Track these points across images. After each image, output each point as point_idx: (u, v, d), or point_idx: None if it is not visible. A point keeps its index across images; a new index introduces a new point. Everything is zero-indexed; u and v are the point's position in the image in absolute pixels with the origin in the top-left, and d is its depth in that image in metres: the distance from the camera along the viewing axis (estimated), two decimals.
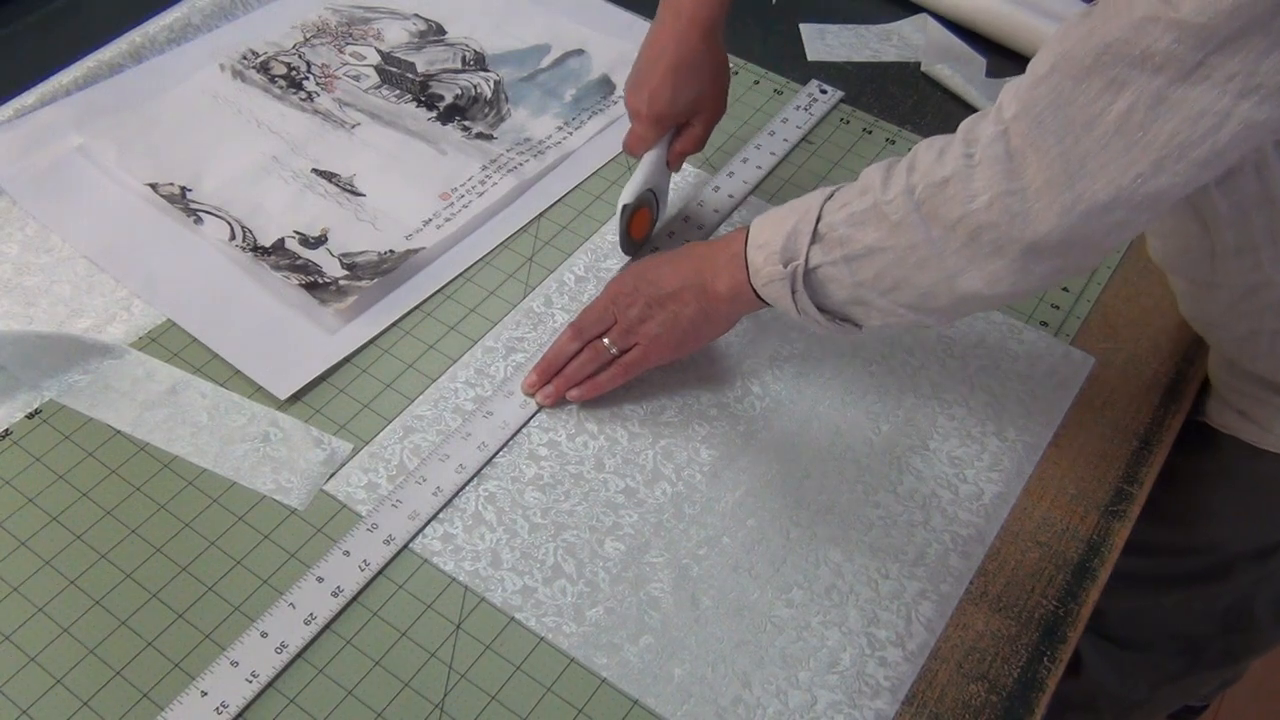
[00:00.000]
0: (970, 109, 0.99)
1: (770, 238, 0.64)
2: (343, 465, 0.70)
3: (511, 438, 0.72)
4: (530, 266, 0.84)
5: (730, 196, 0.89)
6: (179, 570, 0.65)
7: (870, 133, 0.96)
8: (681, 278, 0.70)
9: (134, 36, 0.97)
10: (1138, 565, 0.92)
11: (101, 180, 0.86)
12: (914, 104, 1.00)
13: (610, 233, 0.85)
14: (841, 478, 0.72)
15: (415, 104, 0.95)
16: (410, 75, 0.98)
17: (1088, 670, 1.04)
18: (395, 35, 1.01)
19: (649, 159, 0.79)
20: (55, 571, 0.64)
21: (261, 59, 0.98)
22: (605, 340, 0.72)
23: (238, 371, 0.75)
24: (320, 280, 0.79)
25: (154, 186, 0.85)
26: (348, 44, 1.00)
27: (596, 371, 0.73)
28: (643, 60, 0.77)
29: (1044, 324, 0.82)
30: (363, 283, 0.79)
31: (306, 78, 0.96)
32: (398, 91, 0.96)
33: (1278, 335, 0.72)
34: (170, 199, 0.84)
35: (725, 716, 0.61)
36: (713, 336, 0.73)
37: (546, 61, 1.01)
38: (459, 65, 0.99)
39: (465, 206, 0.86)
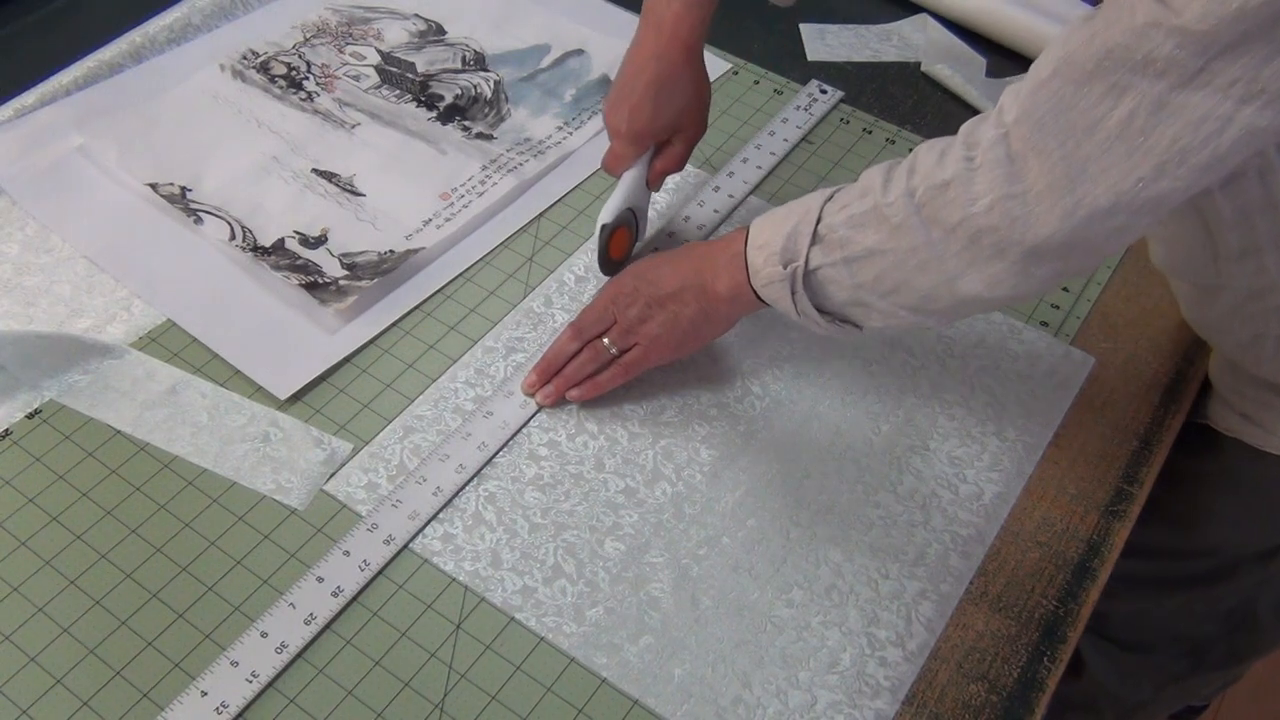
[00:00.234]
0: (970, 109, 0.99)
1: (770, 239, 0.64)
2: (343, 465, 0.70)
3: (511, 438, 0.72)
4: (530, 266, 0.84)
5: (730, 196, 0.89)
6: (179, 570, 0.65)
7: (870, 133, 0.96)
8: (681, 278, 0.70)
9: (134, 36, 0.97)
10: (1140, 568, 0.92)
11: (101, 180, 0.86)
12: (914, 104, 1.00)
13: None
14: (841, 478, 0.72)
15: (415, 104, 0.95)
16: (410, 75, 0.98)
17: (1090, 672, 1.04)
18: (395, 35, 1.01)
19: (628, 178, 0.77)
20: (55, 571, 0.64)
21: (261, 59, 0.98)
22: (605, 340, 0.72)
23: (238, 371, 0.75)
24: (320, 280, 0.79)
25: (154, 186, 0.85)
26: (348, 44, 1.00)
27: (596, 371, 0.73)
28: (623, 77, 0.75)
29: (1044, 324, 0.82)
30: (363, 283, 0.79)
31: (306, 78, 0.96)
32: (398, 91, 0.96)
33: None
34: (170, 199, 0.84)
35: (725, 716, 0.61)
36: (713, 337, 0.73)
37: (546, 61, 1.01)
38: (459, 65, 0.99)
39: (465, 206, 0.86)
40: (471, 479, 0.70)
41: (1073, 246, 0.54)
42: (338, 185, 0.87)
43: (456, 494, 0.69)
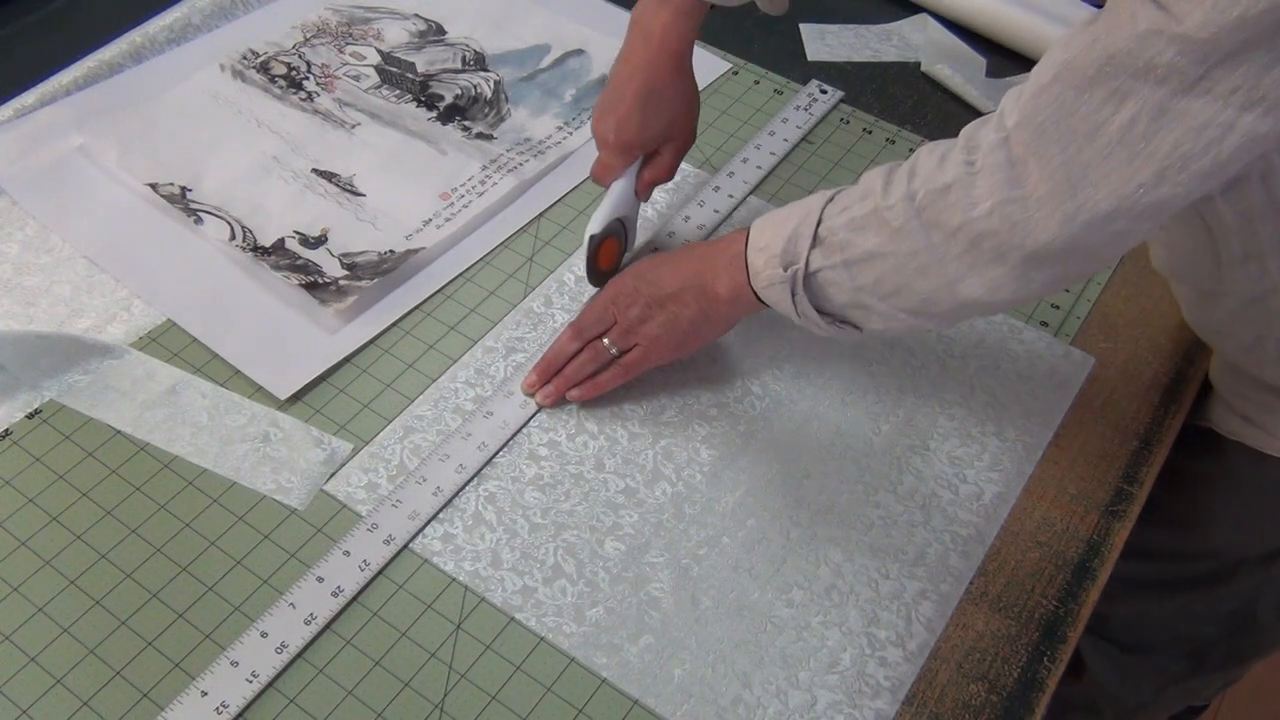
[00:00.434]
0: (970, 109, 0.99)
1: (770, 240, 0.64)
2: (343, 465, 0.70)
3: (511, 438, 0.72)
4: (530, 266, 0.84)
5: (730, 196, 0.89)
6: (179, 570, 0.65)
7: (870, 133, 0.96)
8: (682, 278, 0.70)
9: (134, 36, 0.97)
10: (1141, 570, 0.91)
11: (101, 180, 0.86)
12: (914, 104, 1.00)
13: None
14: (841, 478, 0.72)
15: (415, 104, 0.95)
16: (410, 75, 0.98)
17: (1090, 673, 1.04)
18: (395, 35, 1.01)
19: (617, 188, 0.77)
20: (55, 571, 0.64)
21: (261, 59, 0.98)
22: (605, 340, 0.72)
23: (238, 371, 0.75)
24: (320, 280, 0.79)
25: (154, 186, 0.85)
26: (348, 44, 1.00)
27: (596, 372, 0.73)
28: (611, 86, 0.75)
29: (1044, 324, 0.82)
30: (363, 283, 0.79)
31: (306, 78, 0.96)
32: (398, 91, 0.96)
33: None
34: (170, 199, 0.84)
35: (725, 716, 0.61)
36: (713, 337, 0.73)
37: (546, 61, 1.01)
38: (459, 65, 0.99)
39: (465, 206, 0.86)
40: (471, 479, 0.70)
41: (1073, 251, 0.54)
42: (338, 185, 0.87)
43: (456, 494, 0.69)
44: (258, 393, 0.74)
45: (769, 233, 0.65)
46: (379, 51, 1.00)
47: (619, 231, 0.78)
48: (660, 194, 0.89)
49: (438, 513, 0.68)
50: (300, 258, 0.81)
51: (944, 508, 0.71)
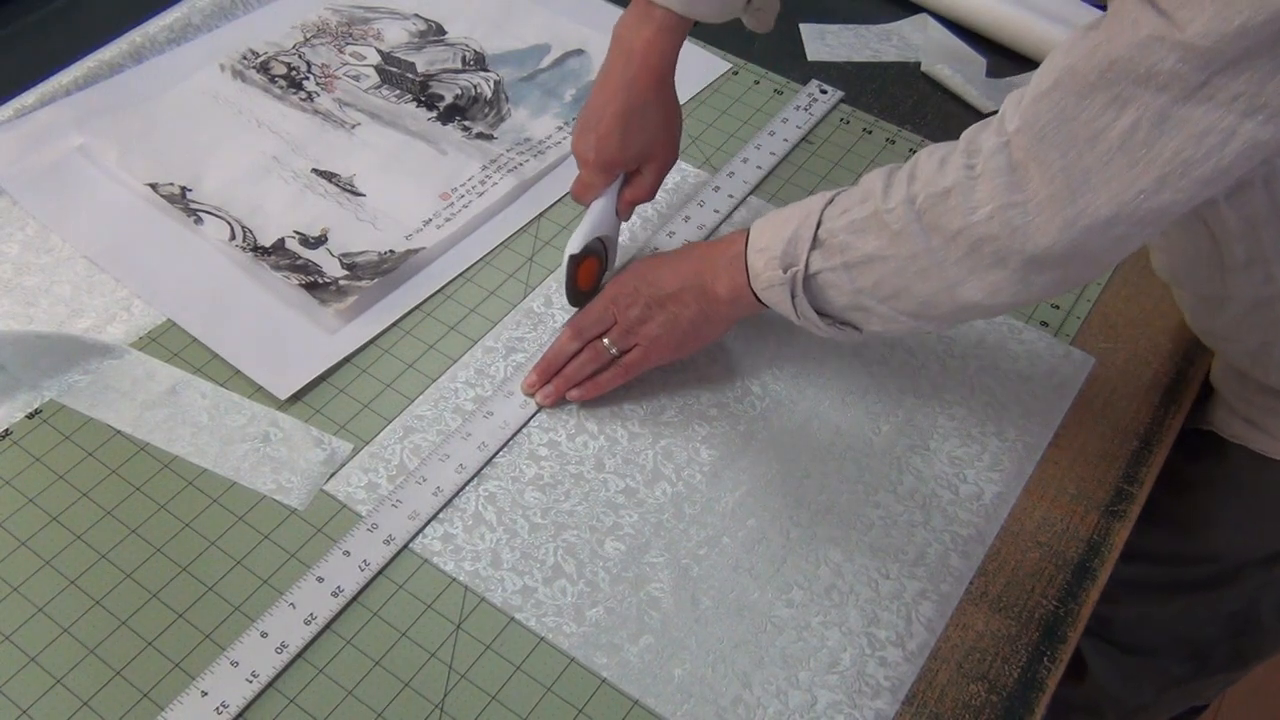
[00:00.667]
0: (970, 109, 0.99)
1: (770, 242, 0.64)
2: (343, 465, 0.70)
3: (512, 438, 0.72)
4: (530, 266, 0.84)
5: (730, 196, 0.89)
6: (179, 570, 0.65)
7: (870, 133, 0.96)
8: (681, 279, 0.70)
9: (134, 36, 0.97)
10: (1144, 572, 0.91)
11: (101, 180, 0.86)
12: (914, 104, 1.00)
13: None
14: (841, 478, 0.72)
15: (415, 104, 0.95)
16: (410, 75, 0.98)
17: (1092, 675, 1.04)
18: (395, 35, 1.01)
19: (597, 207, 0.75)
20: (55, 571, 0.64)
21: (261, 59, 0.98)
22: (605, 341, 0.72)
23: (238, 371, 0.75)
24: (320, 280, 0.79)
25: (154, 186, 0.85)
26: (348, 44, 1.00)
27: (596, 372, 0.73)
28: (591, 104, 0.73)
29: (1044, 324, 0.82)
30: (363, 283, 0.79)
31: (306, 78, 0.96)
32: (398, 91, 0.96)
33: None
34: (170, 199, 0.84)
35: (725, 716, 0.61)
36: (713, 337, 0.73)
37: (546, 61, 1.01)
38: (459, 65, 0.99)
39: (465, 206, 0.86)
40: (471, 479, 0.70)
41: (1073, 256, 0.54)
42: (338, 185, 0.87)
43: (456, 494, 0.69)
44: (258, 393, 0.74)
45: (769, 234, 0.65)
46: (379, 51, 1.00)
47: (599, 251, 0.77)
48: (660, 194, 0.89)
49: (438, 513, 0.68)
50: (300, 258, 0.81)
51: (944, 508, 0.71)
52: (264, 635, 0.61)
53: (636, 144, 0.74)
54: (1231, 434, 0.81)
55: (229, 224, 0.83)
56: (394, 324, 0.79)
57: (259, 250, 0.81)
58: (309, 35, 1.01)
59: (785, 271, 0.63)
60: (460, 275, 0.83)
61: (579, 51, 1.02)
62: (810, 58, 1.04)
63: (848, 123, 0.97)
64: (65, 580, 0.64)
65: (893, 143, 0.95)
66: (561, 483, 0.70)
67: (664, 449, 0.72)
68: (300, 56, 0.98)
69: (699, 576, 0.66)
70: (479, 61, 1.00)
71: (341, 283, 0.79)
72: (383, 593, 0.65)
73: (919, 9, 1.10)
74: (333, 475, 0.70)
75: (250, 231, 0.83)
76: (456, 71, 0.99)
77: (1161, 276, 0.80)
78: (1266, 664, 0.98)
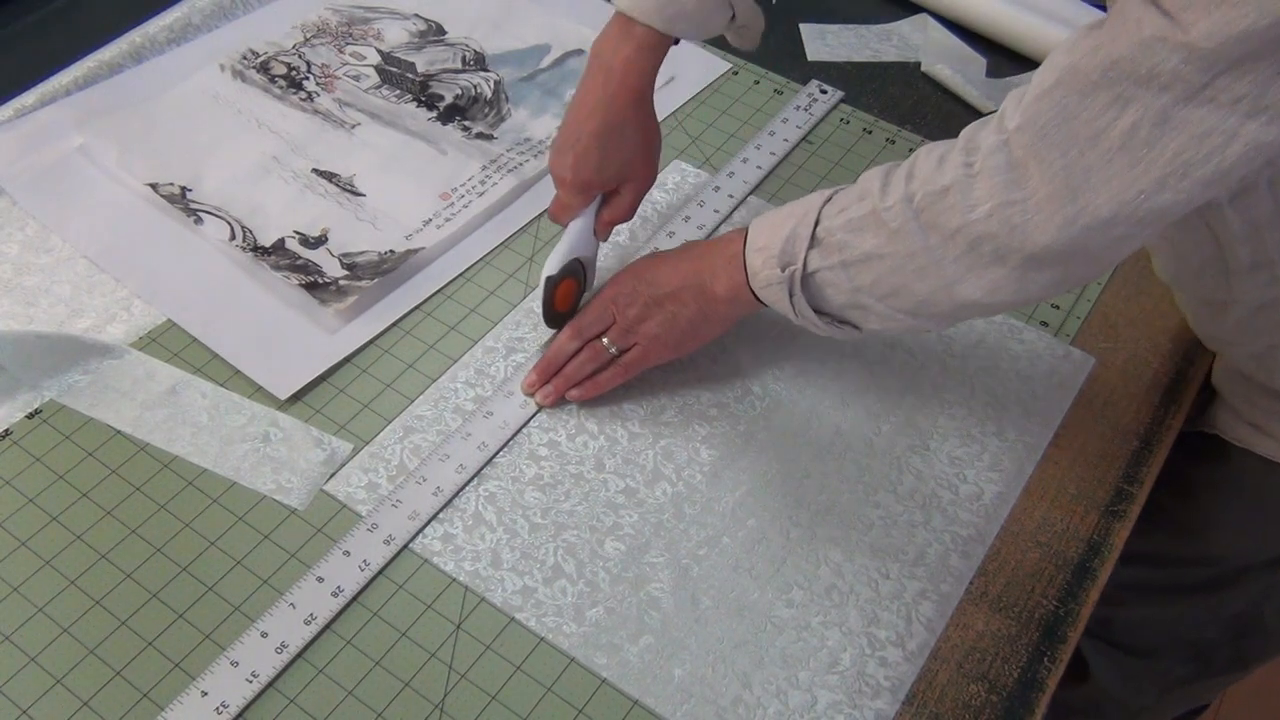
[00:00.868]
0: (970, 109, 0.99)
1: (768, 241, 0.64)
2: (343, 465, 0.70)
3: (512, 438, 0.72)
4: (530, 266, 0.84)
5: (730, 196, 0.89)
6: (179, 570, 0.65)
7: (870, 133, 0.96)
8: (680, 278, 0.70)
9: (134, 36, 0.97)
10: (1147, 575, 0.91)
11: (101, 180, 0.86)
12: (914, 104, 1.00)
13: (612, 232, 0.85)
14: (841, 478, 0.72)
15: (415, 104, 0.95)
16: (410, 75, 0.98)
17: (1094, 676, 1.04)
18: (395, 35, 1.01)
19: (575, 227, 0.74)
20: (55, 571, 0.64)
21: (261, 59, 0.98)
22: (604, 340, 0.72)
23: (238, 371, 0.75)
24: (320, 280, 0.79)
25: (154, 186, 0.85)
26: (348, 44, 1.00)
27: (596, 371, 0.73)
28: (568, 123, 0.72)
29: (1044, 324, 0.82)
30: (363, 283, 0.79)
31: (306, 78, 0.96)
32: (398, 91, 0.96)
33: None
34: (170, 199, 0.84)
35: (725, 716, 0.61)
36: (711, 336, 0.73)
37: (546, 61, 1.01)
38: (459, 65, 0.99)
39: (465, 206, 0.86)
40: (472, 479, 0.70)
41: (1072, 255, 0.54)
42: (338, 185, 0.87)
43: (457, 494, 0.69)
44: (258, 393, 0.74)
45: (767, 233, 0.65)
46: (379, 51, 1.00)
47: (577, 272, 0.75)
48: (660, 194, 0.89)
49: (438, 513, 0.68)
50: (300, 258, 0.81)
51: (944, 508, 0.71)
52: (264, 635, 0.61)
53: (614, 164, 0.73)
54: (1236, 438, 0.81)
55: (229, 224, 0.83)
56: (394, 324, 0.79)
57: (259, 250, 0.81)
58: (309, 35, 1.01)
59: (783, 270, 0.63)
60: (460, 275, 0.83)
61: (579, 51, 1.02)
62: (810, 58, 1.04)
63: (848, 123, 0.97)
64: (65, 580, 0.64)
65: (893, 143, 0.95)
66: (561, 483, 0.70)
67: (664, 449, 0.72)
68: (300, 56, 0.98)
69: (699, 576, 0.66)
70: (479, 61, 1.00)
71: (341, 283, 0.79)
72: (383, 593, 0.65)
73: (919, 9, 1.10)
74: (333, 475, 0.70)
75: (250, 231, 0.83)
76: (456, 71, 0.99)
77: (1164, 280, 0.80)
78: (1266, 665, 0.98)
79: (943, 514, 0.70)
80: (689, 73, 1.00)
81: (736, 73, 1.01)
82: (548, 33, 1.04)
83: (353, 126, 0.93)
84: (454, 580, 0.65)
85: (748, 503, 0.70)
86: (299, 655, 0.61)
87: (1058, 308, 0.83)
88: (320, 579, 0.64)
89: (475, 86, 0.97)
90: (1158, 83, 0.48)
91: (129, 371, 0.74)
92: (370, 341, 0.77)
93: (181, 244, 0.82)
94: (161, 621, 0.63)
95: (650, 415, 0.74)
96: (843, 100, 0.99)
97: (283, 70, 0.97)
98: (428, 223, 0.85)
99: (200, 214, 0.83)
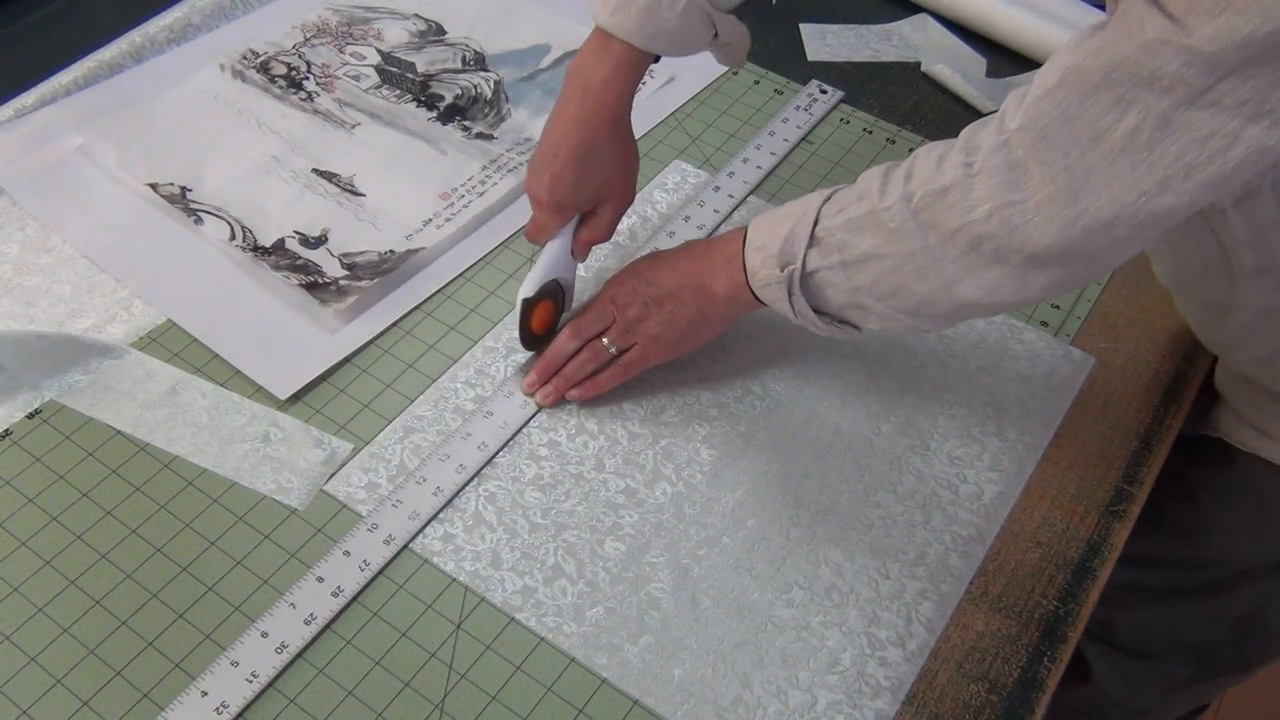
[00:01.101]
0: (970, 109, 0.99)
1: (768, 240, 0.64)
2: (343, 465, 0.70)
3: (512, 438, 0.72)
4: (530, 267, 0.83)
5: (730, 196, 0.89)
6: (179, 570, 0.65)
7: (870, 133, 0.96)
8: (680, 277, 0.70)
9: (134, 36, 0.97)
10: (1150, 578, 0.91)
11: (101, 180, 0.86)
12: (914, 104, 1.00)
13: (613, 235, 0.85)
14: (841, 478, 0.72)
15: (415, 104, 0.95)
16: (410, 75, 0.98)
17: (1096, 678, 1.03)
18: (395, 35, 1.01)
19: (552, 248, 0.73)
20: (55, 571, 0.64)
21: (261, 59, 0.98)
22: (604, 340, 0.72)
23: (238, 371, 0.75)
24: (320, 280, 0.79)
25: (154, 186, 0.85)
26: (348, 44, 1.00)
27: (596, 371, 0.73)
28: (544, 143, 0.71)
29: (1044, 324, 0.82)
30: (363, 283, 0.79)
31: (306, 78, 0.96)
32: (398, 91, 0.96)
33: None
34: (170, 199, 0.84)
35: (725, 716, 0.61)
36: (711, 336, 0.73)
37: (546, 61, 1.01)
38: (459, 65, 0.99)
39: (465, 206, 0.86)
40: (472, 479, 0.70)
41: (1073, 256, 0.54)
42: (338, 185, 0.87)
43: (457, 494, 0.69)
44: (258, 393, 0.74)
45: (766, 232, 0.65)
46: (379, 51, 1.00)
47: (555, 293, 0.74)
48: (660, 194, 0.89)
49: (438, 513, 0.68)
50: (300, 258, 0.81)
51: (944, 508, 0.71)
52: (264, 635, 0.61)
53: (592, 185, 0.71)
54: (1240, 441, 0.80)
55: (229, 224, 0.83)
56: (394, 324, 0.79)
57: (259, 250, 0.81)
58: (309, 35, 1.01)
59: (782, 270, 0.63)
60: (460, 275, 0.83)
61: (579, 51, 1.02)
62: (810, 58, 1.04)
63: (848, 123, 0.97)
64: (65, 580, 0.64)
65: (893, 143, 0.95)
66: (561, 483, 0.70)
67: (664, 449, 0.72)
68: (300, 56, 0.98)
69: (699, 576, 0.66)
70: (479, 61, 1.00)
71: (341, 283, 0.79)
72: (383, 593, 0.65)
73: (919, 9, 1.10)
74: (333, 475, 0.70)
75: (250, 231, 0.83)
76: (456, 71, 0.99)
77: (1165, 284, 0.80)
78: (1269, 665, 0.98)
79: (943, 514, 0.70)
80: (689, 73, 1.00)
81: (736, 73, 1.01)
82: (548, 32, 1.04)
83: (353, 126, 0.93)
84: (454, 580, 0.65)
85: (748, 503, 0.70)
86: (299, 655, 0.61)
87: (1058, 308, 0.83)
88: (320, 579, 0.64)
89: (475, 86, 0.97)
90: (1160, 85, 0.48)
91: (129, 371, 0.74)
92: (370, 341, 0.77)
93: (181, 244, 0.82)
94: (161, 621, 0.63)
95: (650, 415, 0.74)
96: (843, 100, 0.99)
97: (283, 70, 0.97)
98: (428, 223, 0.85)
99: (200, 214, 0.83)
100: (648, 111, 0.97)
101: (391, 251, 0.82)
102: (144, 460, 0.70)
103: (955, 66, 1.01)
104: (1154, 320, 0.83)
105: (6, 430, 0.71)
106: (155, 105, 0.92)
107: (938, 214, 0.56)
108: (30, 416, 0.71)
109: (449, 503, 0.69)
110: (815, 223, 0.62)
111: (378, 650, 0.62)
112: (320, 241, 0.83)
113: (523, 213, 0.87)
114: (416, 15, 1.04)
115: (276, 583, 0.65)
